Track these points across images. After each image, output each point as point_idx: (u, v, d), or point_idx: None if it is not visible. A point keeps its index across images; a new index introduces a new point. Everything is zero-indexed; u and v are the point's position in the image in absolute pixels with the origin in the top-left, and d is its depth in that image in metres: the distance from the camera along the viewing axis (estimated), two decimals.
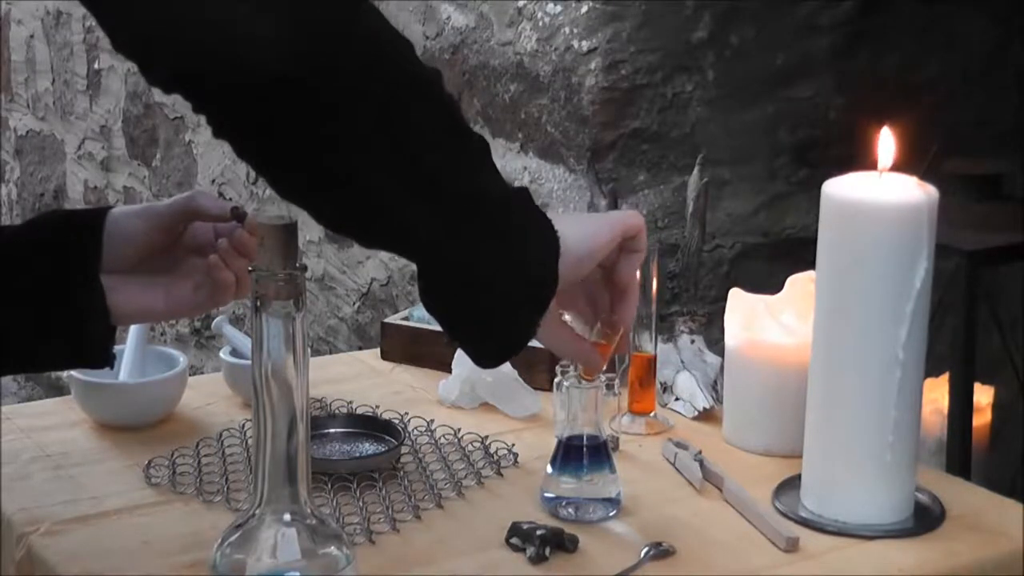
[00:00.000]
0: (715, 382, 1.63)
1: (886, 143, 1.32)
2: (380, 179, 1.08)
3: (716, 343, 1.67)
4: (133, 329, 1.64)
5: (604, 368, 1.29)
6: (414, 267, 1.16)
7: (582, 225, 1.19)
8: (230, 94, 1.02)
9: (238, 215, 1.30)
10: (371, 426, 1.53)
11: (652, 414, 1.59)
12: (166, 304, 1.30)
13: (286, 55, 1.00)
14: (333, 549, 1.04)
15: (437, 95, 1.11)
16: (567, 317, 1.24)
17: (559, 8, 2.15)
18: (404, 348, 1.76)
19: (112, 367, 1.30)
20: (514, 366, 1.60)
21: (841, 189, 1.33)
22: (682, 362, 1.65)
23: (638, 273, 1.26)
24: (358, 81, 1.04)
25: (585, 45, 2.12)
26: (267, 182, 1.13)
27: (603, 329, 1.23)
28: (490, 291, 1.13)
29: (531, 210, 1.15)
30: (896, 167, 1.33)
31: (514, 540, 1.30)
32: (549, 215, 1.17)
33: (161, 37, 1.01)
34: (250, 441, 1.47)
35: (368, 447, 1.50)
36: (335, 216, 1.12)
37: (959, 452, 2.19)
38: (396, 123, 1.07)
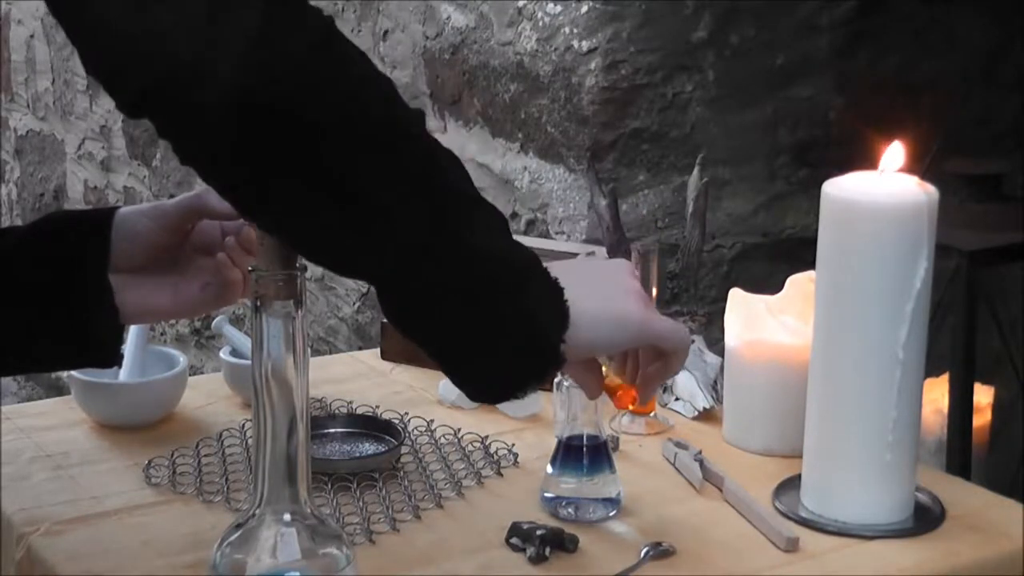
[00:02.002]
0: (715, 382, 1.63)
1: (893, 152, 1.32)
2: (343, 219, 1.05)
3: (716, 343, 1.67)
4: (133, 329, 1.64)
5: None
6: None
7: (605, 311, 1.13)
8: (194, 122, 1.01)
9: None
10: (371, 426, 1.53)
11: (652, 414, 1.59)
12: (174, 303, 1.30)
13: (249, 87, 0.99)
14: (333, 549, 1.04)
15: (416, 137, 1.08)
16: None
17: (559, 8, 2.15)
18: (404, 348, 1.76)
19: (120, 366, 1.30)
20: None
21: (841, 189, 1.33)
22: None
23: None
24: (324, 118, 1.02)
25: (585, 45, 2.12)
26: (235, 208, 1.12)
27: (622, 390, 1.24)
28: (462, 351, 1.10)
29: (535, 277, 1.11)
30: (896, 167, 1.33)
31: (514, 540, 1.30)
32: (581, 276, 1.12)
33: (127, 63, 1.00)
34: (250, 441, 1.47)
35: (368, 447, 1.50)
36: (302, 250, 1.07)
37: (959, 452, 2.19)
38: (369, 165, 1.04)
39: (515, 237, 1.13)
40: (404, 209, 1.06)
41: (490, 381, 1.13)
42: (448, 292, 1.08)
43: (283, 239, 1.06)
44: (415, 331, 1.11)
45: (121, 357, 1.28)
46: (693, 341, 1.67)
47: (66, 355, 1.28)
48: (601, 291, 1.14)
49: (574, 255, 1.69)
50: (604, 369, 1.22)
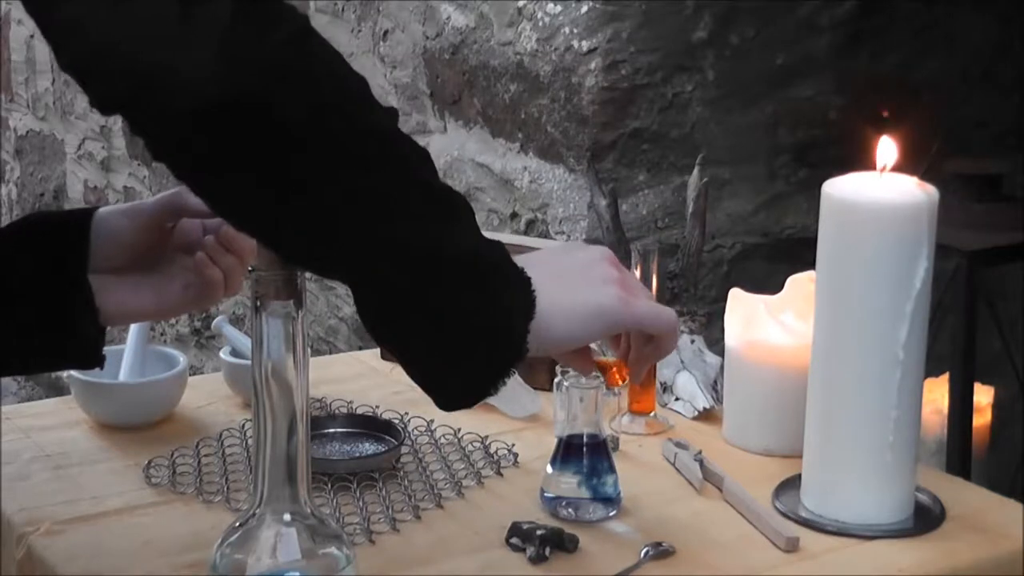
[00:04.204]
0: (715, 382, 1.63)
1: (886, 145, 1.32)
2: (317, 220, 1.04)
3: (716, 343, 1.67)
4: (133, 329, 1.64)
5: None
6: None
7: (579, 303, 1.12)
8: (165, 121, 1.00)
9: None
10: (371, 426, 1.53)
11: (652, 414, 1.58)
12: (155, 303, 1.29)
13: (219, 86, 0.98)
14: (333, 549, 1.04)
15: (390, 138, 1.07)
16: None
17: (559, 8, 2.15)
18: None
19: (103, 368, 1.29)
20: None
21: (841, 189, 1.33)
22: (682, 362, 1.65)
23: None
24: (297, 116, 1.01)
25: (585, 45, 2.12)
26: (209, 208, 1.11)
27: (615, 367, 1.23)
28: (438, 352, 1.09)
29: (503, 271, 1.11)
30: (896, 167, 1.33)
31: (514, 540, 1.30)
32: (556, 268, 1.12)
33: (98, 60, 1.00)
34: (250, 441, 1.47)
35: (368, 447, 1.50)
36: (275, 248, 1.06)
37: (959, 452, 2.19)
38: (339, 162, 1.03)
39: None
40: (379, 210, 1.05)
41: (462, 382, 1.11)
42: (425, 291, 1.07)
43: (258, 239, 1.05)
44: (391, 333, 1.10)
45: (104, 359, 1.27)
46: (688, 335, 1.67)
47: (48, 357, 1.27)
48: (575, 282, 1.13)
49: None
50: (597, 345, 1.22)
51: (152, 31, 0.98)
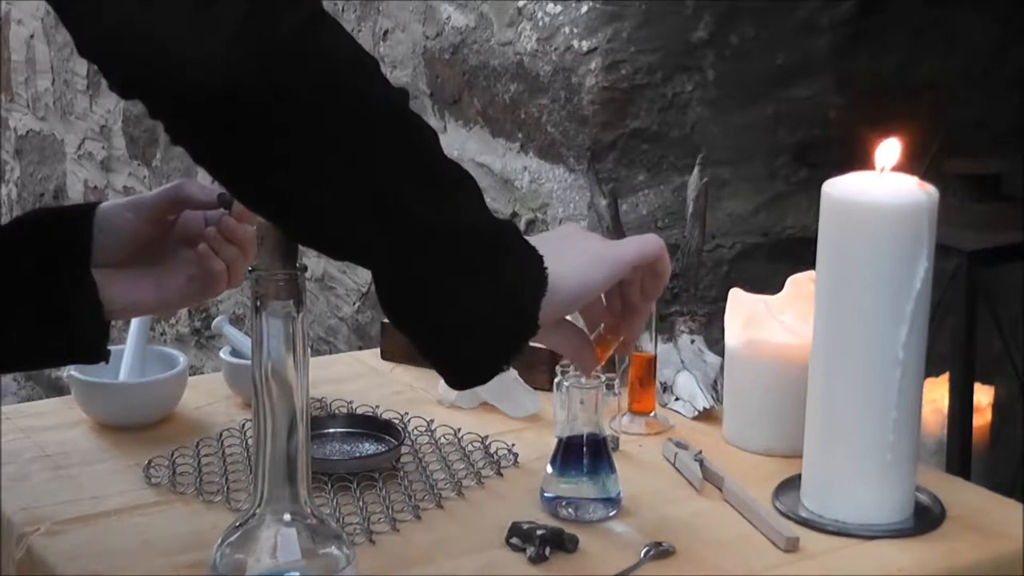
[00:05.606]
0: (715, 382, 1.63)
1: (888, 149, 1.32)
2: (332, 201, 1.05)
3: (716, 343, 1.67)
4: (133, 329, 1.64)
5: (599, 368, 1.28)
6: None
7: (578, 259, 1.14)
8: (182, 105, 1.01)
9: (225, 201, 1.27)
10: (371, 426, 1.53)
11: (652, 414, 1.59)
12: (159, 296, 1.29)
13: (234, 71, 0.98)
14: (333, 549, 1.04)
15: (401, 119, 1.08)
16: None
17: (559, 8, 2.15)
18: (404, 348, 1.76)
19: (107, 362, 1.29)
20: (514, 366, 1.60)
21: (841, 189, 1.33)
22: (682, 362, 1.65)
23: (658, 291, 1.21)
24: (311, 100, 1.02)
25: (585, 45, 2.12)
26: (228, 192, 1.12)
27: (605, 335, 1.22)
28: (453, 327, 1.09)
29: (514, 246, 1.11)
30: (896, 167, 1.33)
31: (514, 540, 1.30)
32: (545, 244, 1.12)
33: (118, 45, 1.00)
34: (250, 441, 1.47)
35: (368, 447, 1.50)
36: (292, 232, 1.07)
37: (959, 452, 2.19)
38: (352, 145, 1.04)
39: None
40: (396, 190, 1.06)
41: (477, 358, 1.12)
42: (444, 269, 1.07)
43: (275, 222, 1.06)
44: (411, 313, 1.10)
45: (109, 353, 1.27)
46: (688, 335, 1.67)
47: (53, 352, 1.27)
48: (565, 246, 1.14)
49: None
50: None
51: (171, 16, 0.99)
